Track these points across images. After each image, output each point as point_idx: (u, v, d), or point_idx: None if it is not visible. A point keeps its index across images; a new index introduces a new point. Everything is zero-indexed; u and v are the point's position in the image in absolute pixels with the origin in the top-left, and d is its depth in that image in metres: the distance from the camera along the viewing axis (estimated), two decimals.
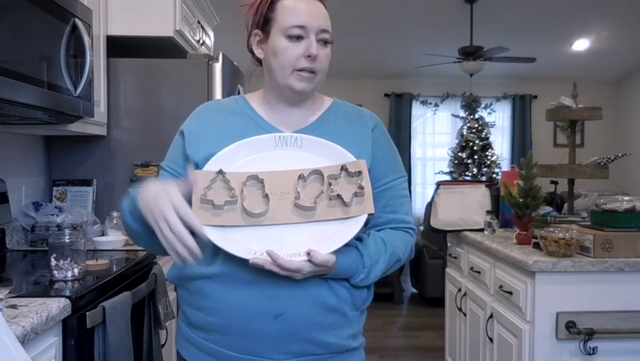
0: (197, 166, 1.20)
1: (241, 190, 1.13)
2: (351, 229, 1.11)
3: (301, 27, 1.17)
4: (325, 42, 1.21)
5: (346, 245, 1.12)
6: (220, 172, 1.14)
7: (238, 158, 1.18)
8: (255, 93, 1.33)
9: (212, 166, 1.17)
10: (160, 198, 1.06)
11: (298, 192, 1.13)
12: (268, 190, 1.13)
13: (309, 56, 1.18)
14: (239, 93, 2.95)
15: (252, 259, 1.06)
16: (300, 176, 1.15)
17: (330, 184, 1.14)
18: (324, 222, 1.11)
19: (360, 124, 1.28)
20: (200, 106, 1.32)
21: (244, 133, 1.22)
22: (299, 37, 1.18)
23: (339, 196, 1.12)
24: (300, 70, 1.19)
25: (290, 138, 1.20)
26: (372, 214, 1.12)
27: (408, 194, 1.31)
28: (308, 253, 1.07)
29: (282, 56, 1.19)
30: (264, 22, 1.22)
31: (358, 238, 1.20)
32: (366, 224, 1.21)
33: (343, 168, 1.15)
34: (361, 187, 1.13)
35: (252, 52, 1.28)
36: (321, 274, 1.13)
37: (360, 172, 1.15)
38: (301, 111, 1.27)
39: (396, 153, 1.33)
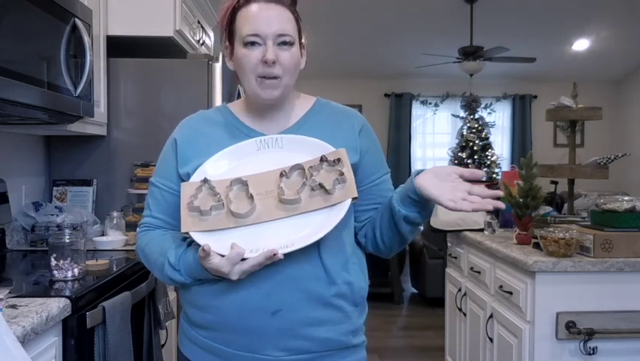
0: (188, 177, 1.21)
1: (226, 194, 1.15)
2: (336, 216, 1.11)
3: (255, 35, 1.16)
4: (286, 44, 1.18)
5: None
6: (205, 181, 1.16)
7: (222, 166, 1.20)
8: (237, 102, 1.34)
9: (197, 177, 1.19)
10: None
11: (282, 188, 1.14)
12: (252, 191, 1.15)
13: (266, 62, 1.17)
14: (239, 93, 2.95)
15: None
16: (281, 173, 1.16)
17: (311, 175, 1.15)
18: (310, 213, 1.13)
19: (347, 124, 1.29)
20: (185, 118, 1.33)
21: (231, 142, 1.23)
22: (254, 44, 1.17)
23: (321, 185, 1.13)
24: (262, 77, 1.19)
25: (271, 140, 1.21)
26: (356, 198, 1.13)
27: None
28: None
29: (242, 64, 1.20)
30: (229, 35, 1.23)
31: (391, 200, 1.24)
32: (359, 222, 1.24)
33: (323, 158, 1.17)
34: (342, 173, 1.14)
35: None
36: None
37: (339, 160, 1.16)
38: (283, 114, 1.28)
39: (381, 149, 1.36)
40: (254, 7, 1.17)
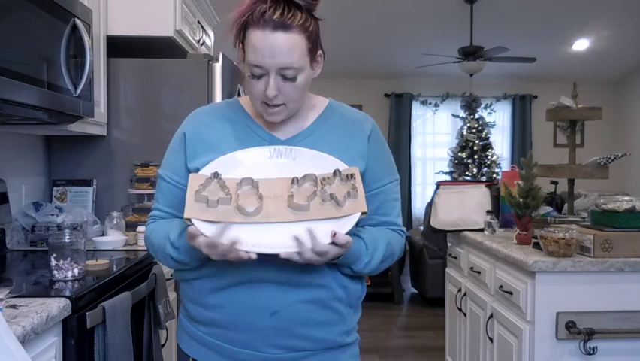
0: (197, 171, 1.21)
1: (235, 191, 1.15)
2: (343, 227, 1.11)
3: (259, 67, 1.15)
4: (289, 77, 1.16)
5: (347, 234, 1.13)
6: (216, 174, 1.16)
7: (234, 168, 1.19)
8: (248, 97, 1.32)
9: (207, 172, 1.18)
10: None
11: (292, 193, 1.14)
12: (263, 192, 1.14)
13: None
14: (239, 93, 2.95)
15: (282, 254, 1.07)
16: (293, 180, 1.16)
17: (323, 186, 1.15)
18: (317, 221, 1.12)
19: (356, 129, 1.28)
20: (195, 110, 1.32)
21: (241, 139, 1.24)
22: (260, 76, 1.16)
23: (332, 196, 1.13)
24: (266, 104, 1.19)
25: (285, 150, 1.21)
26: (365, 213, 1.13)
27: (399, 197, 1.32)
28: (333, 235, 1.08)
29: (249, 89, 1.20)
30: (241, 45, 1.21)
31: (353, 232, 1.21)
32: (357, 224, 1.22)
33: (336, 172, 1.16)
34: (354, 187, 1.14)
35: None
36: (334, 258, 1.14)
37: (352, 175, 1.16)
38: (294, 117, 1.27)
39: (390, 155, 1.33)
40: (260, 35, 1.13)
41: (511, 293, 2.20)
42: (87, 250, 1.86)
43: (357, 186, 1.15)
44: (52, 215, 2.29)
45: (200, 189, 1.13)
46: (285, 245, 1.08)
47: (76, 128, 2.20)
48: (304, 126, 1.27)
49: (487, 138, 6.65)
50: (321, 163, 1.19)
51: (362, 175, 1.22)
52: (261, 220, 1.12)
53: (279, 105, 1.19)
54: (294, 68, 1.15)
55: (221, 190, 1.15)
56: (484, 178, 6.37)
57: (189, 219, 1.11)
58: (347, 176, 1.16)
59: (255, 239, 1.09)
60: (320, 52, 1.22)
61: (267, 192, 1.15)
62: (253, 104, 1.23)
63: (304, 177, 1.17)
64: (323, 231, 1.10)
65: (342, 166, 1.19)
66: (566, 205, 2.99)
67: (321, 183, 1.15)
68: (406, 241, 5.38)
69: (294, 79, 1.16)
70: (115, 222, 2.32)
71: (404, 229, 1.33)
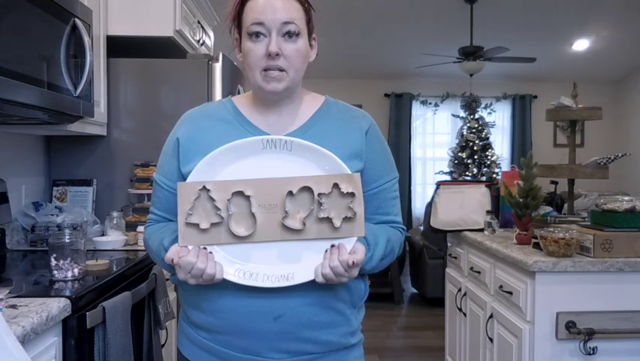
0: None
1: (227, 207, 1.11)
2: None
3: (259, 23, 1.14)
4: (291, 35, 1.15)
5: None
6: (204, 189, 1.12)
7: (225, 163, 1.14)
8: (243, 95, 1.31)
9: (199, 172, 1.14)
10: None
11: (286, 212, 1.11)
12: (255, 204, 1.11)
13: (269, 55, 1.14)
14: (239, 93, 2.95)
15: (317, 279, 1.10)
16: (289, 192, 1.11)
17: (320, 204, 1.11)
18: (314, 241, 1.11)
19: (353, 125, 1.26)
20: (187, 112, 1.30)
21: (235, 139, 1.19)
22: (258, 35, 1.15)
23: (328, 219, 1.11)
24: (266, 70, 1.16)
25: (279, 142, 1.15)
26: (362, 236, 1.13)
27: (398, 195, 1.31)
28: (352, 263, 1.09)
29: (248, 57, 1.17)
30: (238, 26, 1.21)
31: None
32: None
33: (335, 185, 1.12)
34: (352, 210, 1.11)
35: None
36: None
37: (352, 193, 1.12)
38: (290, 112, 1.24)
39: (389, 153, 1.31)
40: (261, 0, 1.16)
41: (511, 293, 2.20)
42: (87, 250, 1.87)
43: (356, 206, 1.11)
44: (52, 215, 2.29)
45: (188, 215, 1.10)
46: (280, 274, 1.09)
47: (76, 128, 2.20)
48: (300, 123, 1.24)
49: (487, 138, 6.66)
50: (318, 158, 1.14)
51: (362, 174, 1.19)
52: (253, 240, 1.11)
53: (280, 71, 1.16)
54: (295, 24, 1.16)
55: (212, 210, 1.11)
56: (484, 178, 6.37)
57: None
58: (346, 193, 1.11)
59: (247, 263, 1.10)
60: (314, 35, 1.24)
61: (260, 200, 1.11)
62: (252, 78, 1.19)
63: (300, 189, 1.12)
64: (318, 256, 1.11)
65: (340, 163, 1.13)
66: (566, 205, 2.99)
67: (319, 199, 1.11)
68: (406, 241, 5.40)
69: (295, 40, 1.16)
70: (115, 222, 2.33)
71: (404, 226, 1.32)
